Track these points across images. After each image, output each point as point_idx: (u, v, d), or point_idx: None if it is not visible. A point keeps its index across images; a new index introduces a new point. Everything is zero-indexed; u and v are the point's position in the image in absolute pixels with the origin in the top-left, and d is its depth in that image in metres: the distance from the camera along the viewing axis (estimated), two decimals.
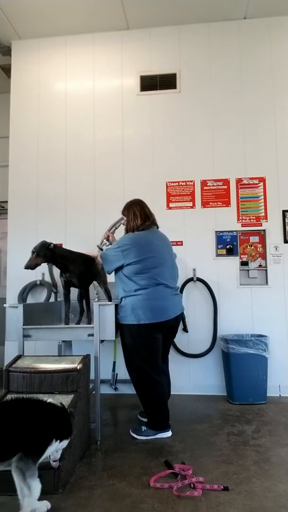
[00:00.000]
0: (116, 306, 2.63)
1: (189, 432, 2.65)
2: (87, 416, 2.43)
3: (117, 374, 3.57)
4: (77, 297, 3.06)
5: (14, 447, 1.61)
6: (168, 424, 2.64)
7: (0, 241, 4.92)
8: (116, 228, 3.03)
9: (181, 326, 3.55)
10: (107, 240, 2.99)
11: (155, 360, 2.60)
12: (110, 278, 3.30)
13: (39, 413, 1.74)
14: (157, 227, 2.80)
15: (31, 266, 2.68)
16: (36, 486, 1.63)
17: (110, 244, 2.99)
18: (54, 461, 1.80)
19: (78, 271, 2.80)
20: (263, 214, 3.70)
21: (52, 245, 2.74)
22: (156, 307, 2.53)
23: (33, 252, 2.69)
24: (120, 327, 2.62)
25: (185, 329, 3.58)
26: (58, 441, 1.74)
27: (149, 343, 2.55)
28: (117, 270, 2.66)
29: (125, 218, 2.79)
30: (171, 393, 2.85)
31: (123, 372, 3.53)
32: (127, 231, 2.75)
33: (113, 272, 2.72)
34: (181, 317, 2.79)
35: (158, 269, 2.57)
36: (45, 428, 1.71)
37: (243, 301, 3.62)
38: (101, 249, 2.95)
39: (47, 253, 2.70)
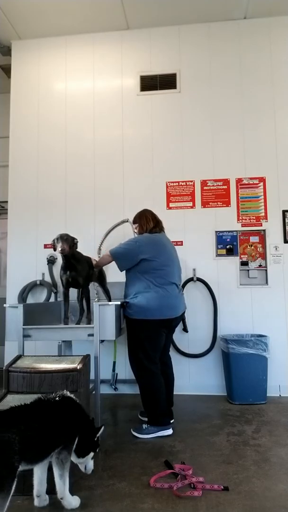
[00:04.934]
0: (119, 305, 2.67)
1: (189, 432, 2.65)
2: None
3: (117, 374, 3.57)
4: (77, 297, 3.06)
5: (59, 441, 1.73)
6: (169, 421, 2.67)
7: (0, 241, 4.92)
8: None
9: (181, 326, 3.56)
10: None
11: (154, 355, 2.70)
12: (110, 278, 3.32)
13: (73, 409, 1.85)
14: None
15: (66, 250, 2.68)
16: (67, 477, 1.75)
17: None
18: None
19: (84, 271, 2.83)
20: (263, 214, 3.70)
21: (76, 240, 2.81)
22: (169, 305, 2.68)
23: (63, 238, 2.70)
24: (131, 323, 2.71)
25: (185, 329, 3.57)
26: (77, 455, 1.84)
27: (156, 338, 2.68)
28: (131, 267, 2.75)
29: (134, 225, 2.97)
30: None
31: (123, 372, 3.54)
32: (139, 233, 2.90)
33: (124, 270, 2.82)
34: (183, 315, 2.93)
35: (170, 268, 2.76)
36: (75, 424, 1.82)
37: (243, 301, 3.62)
38: None
39: (72, 246, 2.75)
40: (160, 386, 2.67)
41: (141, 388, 2.70)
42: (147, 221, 2.88)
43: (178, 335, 3.57)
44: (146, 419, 2.71)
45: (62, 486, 1.74)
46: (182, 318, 2.89)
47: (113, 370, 3.57)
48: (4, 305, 2.74)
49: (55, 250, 2.77)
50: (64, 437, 1.75)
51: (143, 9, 3.70)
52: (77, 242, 2.79)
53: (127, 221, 3.63)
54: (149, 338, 2.66)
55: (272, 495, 1.87)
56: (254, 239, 3.70)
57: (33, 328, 2.65)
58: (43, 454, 1.67)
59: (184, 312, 2.88)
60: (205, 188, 3.77)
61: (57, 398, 1.82)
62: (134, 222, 2.98)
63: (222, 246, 3.71)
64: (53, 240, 2.74)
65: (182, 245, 3.71)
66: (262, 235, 3.70)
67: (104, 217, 3.79)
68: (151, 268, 2.68)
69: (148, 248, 2.70)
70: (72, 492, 1.79)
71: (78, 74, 4.06)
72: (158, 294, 2.66)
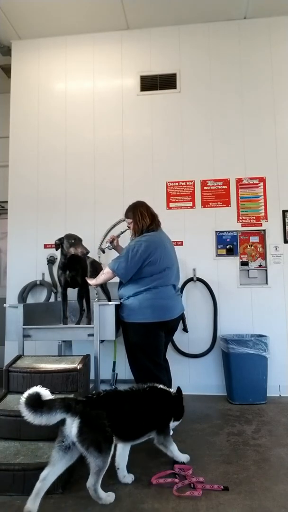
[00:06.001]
0: (117, 306, 2.64)
1: (189, 432, 2.65)
2: None
3: (117, 374, 3.56)
4: (77, 297, 3.06)
5: (150, 427, 2.05)
6: None
7: (0, 241, 4.92)
8: (122, 232, 2.99)
9: (181, 326, 3.55)
10: (111, 243, 2.94)
11: (158, 358, 2.62)
12: None
13: (167, 398, 2.17)
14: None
15: (89, 251, 2.78)
16: (175, 447, 2.11)
17: (114, 247, 2.97)
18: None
19: (83, 270, 2.83)
20: (263, 214, 3.70)
21: None
22: (163, 306, 2.56)
23: (80, 239, 2.78)
24: (124, 326, 2.62)
25: (185, 329, 3.57)
26: (173, 420, 2.17)
27: (154, 342, 2.58)
28: None
29: (127, 220, 2.78)
30: None
31: (123, 372, 3.54)
32: (134, 232, 2.72)
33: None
34: (181, 317, 2.83)
35: (170, 270, 2.63)
36: (170, 409, 2.14)
37: (243, 301, 3.62)
38: (103, 251, 2.94)
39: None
40: None
41: None
42: (142, 218, 2.66)
43: (178, 335, 3.56)
44: None
45: (123, 456, 2.03)
46: (179, 320, 2.75)
47: (113, 370, 3.56)
48: (4, 305, 2.74)
49: (57, 249, 2.79)
50: (155, 425, 2.05)
51: (143, 9, 3.70)
52: None
53: (124, 221, 3.61)
54: (148, 342, 2.55)
55: (272, 495, 1.87)
56: (254, 239, 3.70)
57: (33, 328, 2.65)
58: (134, 436, 2.00)
59: (182, 314, 2.77)
60: (205, 188, 3.77)
61: (148, 390, 2.11)
62: (127, 217, 2.75)
63: (222, 246, 3.71)
64: (61, 241, 2.75)
65: (182, 245, 3.71)
66: (262, 235, 3.70)
67: (104, 216, 3.79)
68: (150, 273, 2.56)
69: (149, 254, 2.53)
70: (72, 492, 1.79)
71: (78, 74, 4.06)
72: (151, 295, 2.53)
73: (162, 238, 2.70)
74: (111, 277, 2.66)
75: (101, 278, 2.72)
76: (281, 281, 3.60)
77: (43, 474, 1.72)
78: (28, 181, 3.98)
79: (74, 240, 2.74)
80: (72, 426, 1.76)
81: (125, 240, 2.95)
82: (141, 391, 2.09)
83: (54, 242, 2.81)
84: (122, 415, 1.92)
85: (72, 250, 2.72)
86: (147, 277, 2.56)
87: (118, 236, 2.99)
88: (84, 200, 3.89)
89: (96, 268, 3.13)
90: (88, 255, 2.93)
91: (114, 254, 3.02)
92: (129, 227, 2.80)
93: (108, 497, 1.81)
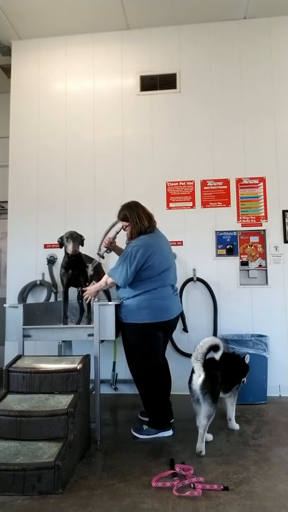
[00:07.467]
0: (117, 306, 2.63)
1: (189, 432, 2.64)
2: (87, 416, 2.43)
3: (117, 374, 3.56)
4: (77, 297, 3.05)
5: (235, 382, 2.67)
6: (169, 423, 2.65)
7: (0, 241, 4.93)
8: (117, 233, 2.93)
9: (181, 326, 3.55)
10: (108, 247, 2.88)
11: (157, 359, 2.62)
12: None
13: (241, 360, 2.76)
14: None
15: (77, 250, 2.78)
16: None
17: (112, 249, 2.94)
18: None
19: (85, 269, 2.84)
20: (263, 214, 3.70)
21: (83, 238, 2.87)
22: (160, 307, 2.57)
23: (73, 237, 2.78)
24: (122, 326, 2.62)
25: (185, 329, 3.57)
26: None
27: (152, 342, 2.58)
28: None
29: (123, 223, 2.73)
30: (172, 392, 2.85)
31: (123, 372, 3.54)
32: (131, 235, 2.68)
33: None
34: (179, 317, 2.83)
35: (167, 272, 2.62)
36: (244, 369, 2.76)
37: (243, 301, 3.62)
38: (102, 257, 2.91)
39: (80, 243, 2.83)
40: (164, 392, 2.63)
41: (145, 395, 2.61)
42: (140, 220, 2.61)
43: (178, 335, 3.57)
44: (146, 419, 2.70)
45: (231, 409, 2.69)
46: (177, 320, 2.75)
47: (113, 370, 3.56)
48: (4, 305, 2.74)
49: (61, 247, 2.80)
50: (237, 380, 2.68)
51: (143, 9, 3.70)
52: (84, 239, 2.83)
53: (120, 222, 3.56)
54: (146, 342, 2.55)
55: (272, 495, 1.87)
56: (254, 239, 3.70)
57: (33, 328, 2.65)
58: (229, 388, 2.61)
59: (180, 314, 2.77)
60: (205, 188, 3.77)
61: (234, 356, 2.77)
62: (122, 219, 2.69)
63: (222, 246, 3.71)
64: (62, 238, 2.78)
65: (182, 245, 3.71)
66: (262, 235, 3.70)
67: (104, 216, 3.76)
68: (148, 276, 2.55)
69: (146, 260, 2.52)
70: (72, 492, 1.79)
71: (78, 74, 4.05)
72: (149, 296, 2.54)
73: (158, 240, 2.68)
74: (113, 283, 2.69)
75: (101, 286, 2.76)
76: (281, 281, 3.60)
77: (197, 421, 2.38)
78: (28, 181, 3.98)
79: (67, 238, 2.76)
80: (198, 379, 2.34)
81: (122, 238, 2.95)
82: (232, 356, 2.77)
83: (57, 241, 2.84)
84: (227, 374, 2.51)
85: (67, 248, 2.75)
86: (145, 279, 2.56)
87: (114, 237, 2.93)
88: (84, 199, 3.89)
89: (99, 273, 3.12)
90: (90, 256, 2.95)
91: (113, 255, 3.03)
92: (124, 229, 2.75)
93: (209, 436, 2.44)
